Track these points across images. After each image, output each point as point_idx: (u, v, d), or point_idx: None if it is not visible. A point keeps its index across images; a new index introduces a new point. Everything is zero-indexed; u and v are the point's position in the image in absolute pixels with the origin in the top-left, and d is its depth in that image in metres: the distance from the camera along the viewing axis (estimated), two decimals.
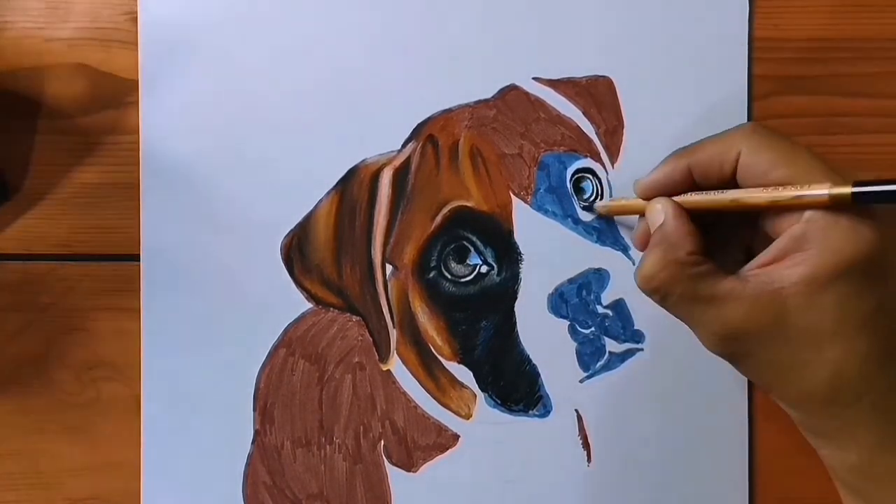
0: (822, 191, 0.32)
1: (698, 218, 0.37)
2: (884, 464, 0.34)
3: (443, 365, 0.46)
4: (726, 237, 0.38)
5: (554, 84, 0.46)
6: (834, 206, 0.32)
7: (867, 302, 0.33)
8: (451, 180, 0.45)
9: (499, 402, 0.46)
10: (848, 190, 0.32)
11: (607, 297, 0.46)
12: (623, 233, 0.46)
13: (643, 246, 0.40)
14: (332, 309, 0.46)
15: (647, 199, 0.39)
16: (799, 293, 0.33)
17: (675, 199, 0.37)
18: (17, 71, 0.45)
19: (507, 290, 0.45)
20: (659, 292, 0.36)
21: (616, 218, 0.46)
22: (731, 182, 0.36)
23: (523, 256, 0.45)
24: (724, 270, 0.35)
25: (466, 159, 0.46)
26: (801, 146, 0.35)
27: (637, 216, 0.41)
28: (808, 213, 0.33)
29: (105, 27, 0.46)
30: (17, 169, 0.46)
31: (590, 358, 0.46)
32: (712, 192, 0.37)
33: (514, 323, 0.45)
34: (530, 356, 0.46)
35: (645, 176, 0.39)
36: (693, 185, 0.37)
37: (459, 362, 0.46)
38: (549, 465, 0.46)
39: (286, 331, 0.46)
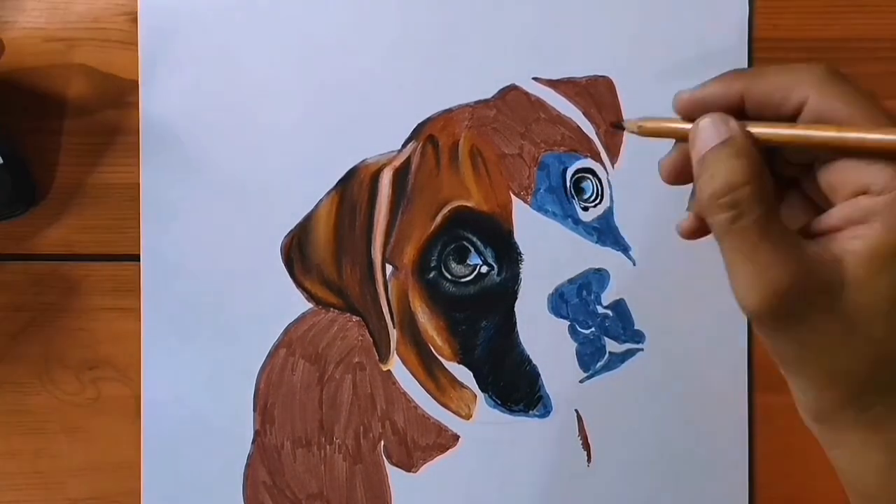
0: None
1: None
2: None
3: (443, 365, 0.46)
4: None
5: (554, 84, 0.46)
6: None
7: None
8: (451, 180, 0.45)
9: (499, 402, 0.46)
10: None
11: (607, 297, 0.45)
12: (623, 233, 0.46)
13: (673, 178, 0.35)
14: (332, 309, 0.46)
15: (689, 117, 0.33)
16: (858, 265, 0.30)
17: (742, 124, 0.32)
18: (16, 71, 0.45)
19: (507, 291, 0.45)
20: (735, 208, 0.30)
21: (616, 217, 0.46)
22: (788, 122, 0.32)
23: (523, 256, 0.45)
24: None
25: (466, 159, 0.46)
26: (878, 102, 0.31)
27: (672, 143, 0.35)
28: (878, 184, 0.30)
29: (105, 27, 0.46)
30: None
31: (590, 358, 0.46)
32: (780, 125, 0.32)
33: (514, 323, 0.45)
34: (530, 356, 0.46)
35: (688, 90, 0.33)
36: (741, 115, 0.32)
37: (459, 362, 0.46)
38: (549, 465, 0.46)
39: (286, 331, 0.46)
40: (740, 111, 0.32)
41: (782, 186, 0.34)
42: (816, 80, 0.31)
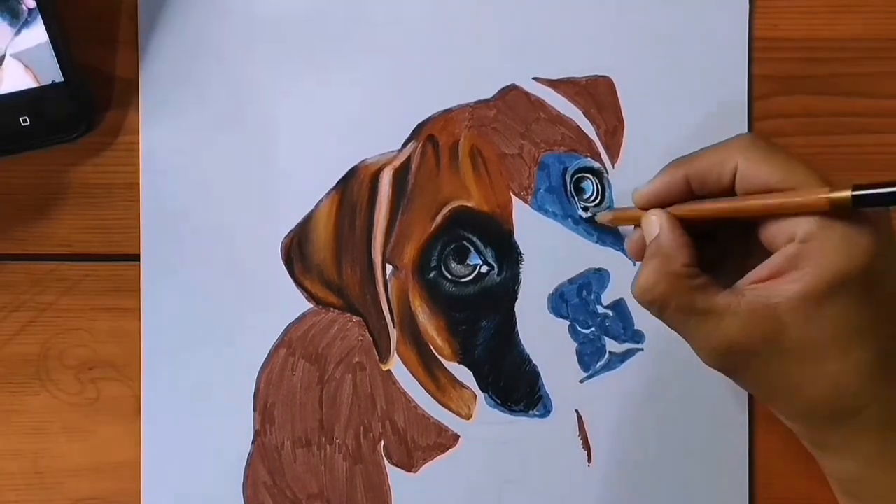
0: (821, 195, 0.33)
1: (695, 231, 0.37)
2: (885, 475, 0.34)
3: (443, 365, 0.46)
4: (723, 252, 0.38)
5: (554, 84, 0.46)
6: (833, 211, 0.33)
7: (863, 314, 0.33)
8: (451, 180, 0.45)
9: (499, 402, 0.46)
10: (847, 193, 0.32)
11: (607, 297, 0.46)
12: (624, 233, 0.46)
13: (638, 255, 0.40)
14: (332, 309, 0.46)
15: (645, 208, 0.39)
16: (795, 308, 0.33)
17: (673, 208, 0.38)
18: None
19: (507, 291, 0.45)
20: (655, 304, 0.36)
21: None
22: (730, 193, 0.36)
23: (523, 256, 0.45)
24: (720, 285, 0.35)
25: (467, 159, 0.46)
26: (797, 158, 0.35)
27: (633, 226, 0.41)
28: (801, 232, 0.33)
29: (105, 27, 0.46)
30: (17, 168, 0.46)
31: (590, 358, 0.46)
32: (708, 201, 0.37)
33: (515, 323, 0.45)
34: (530, 356, 0.46)
35: (642, 186, 0.39)
36: (691, 195, 0.38)
37: (459, 362, 0.46)
38: (549, 465, 0.46)
39: (286, 331, 0.46)
40: (690, 193, 0.37)
41: (733, 245, 0.38)
42: (741, 148, 0.36)
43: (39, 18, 0.43)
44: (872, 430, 0.34)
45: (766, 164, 0.35)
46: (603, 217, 0.44)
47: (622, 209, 0.44)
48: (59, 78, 0.43)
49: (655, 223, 0.37)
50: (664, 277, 0.35)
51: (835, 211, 0.33)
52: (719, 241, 0.38)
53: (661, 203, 0.38)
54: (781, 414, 0.36)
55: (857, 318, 0.33)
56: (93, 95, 0.45)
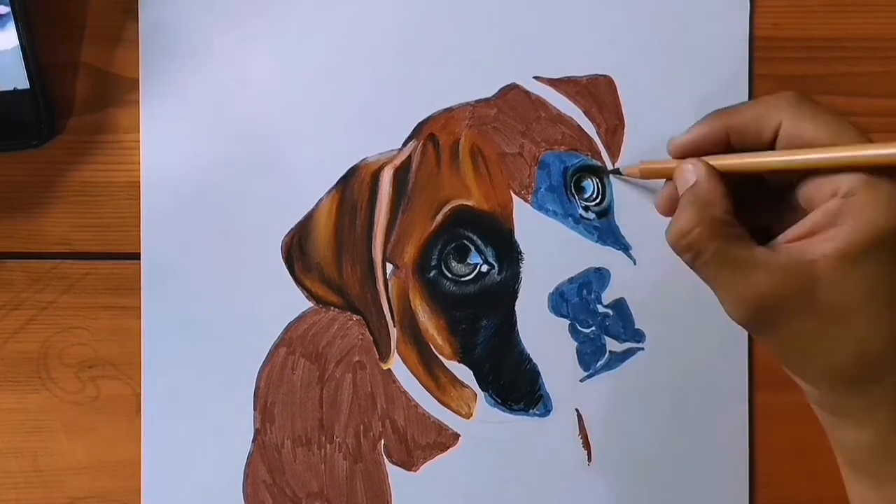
0: (872, 150, 0.32)
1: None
2: None
3: (443, 364, 0.46)
4: (754, 213, 0.37)
5: (554, 83, 0.46)
6: (881, 168, 0.32)
7: None
8: (451, 179, 0.46)
9: (499, 401, 0.46)
10: None
11: (608, 296, 0.46)
12: (624, 232, 0.46)
13: (668, 210, 0.39)
14: (332, 308, 0.46)
15: (681, 157, 0.38)
16: (830, 266, 0.32)
17: (710, 159, 0.37)
18: None
19: (507, 290, 0.45)
20: (691, 250, 0.35)
21: (617, 207, 0.46)
22: (768, 149, 0.36)
23: (524, 256, 0.45)
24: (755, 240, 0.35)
25: (467, 158, 0.46)
26: (845, 120, 0.34)
27: (663, 181, 0.41)
28: (845, 187, 0.33)
29: (105, 26, 0.46)
30: (17, 166, 0.46)
31: (590, 357, 0.46)
32: (751, 154, 0.36)
33: (515, 322, 0.45)
34: (530, 355, 0.46)
35: (680, 135, 0.38)
36: (728, 149, 0.37)
37: (460, 361, 0.46)
38: (549, 464, 0.46)
39: (286, 330, 0.46)
40: (727, 146, 0.37)
41: (759, 206, 0.37)
42: (786, 105, 0.35)
43: (11, 24, 0.43)
44: (891, 399, 0.33)
45: (813, 121, 0.34)
46: (630, 171, 0.44)
47: (651, 162, 0.42)
48: (24, 84, 0.43)
49: (692, 171, 0.36)
50: (703, 222, 0.34)
51: (883, 169, 0.32)
52: (746, 202, 0.37)
53: (698, 154, 0.37)
54: (801, 376, 0.35)
55: (891, 282, 0.32)
56: (55, 103, 0.45)
